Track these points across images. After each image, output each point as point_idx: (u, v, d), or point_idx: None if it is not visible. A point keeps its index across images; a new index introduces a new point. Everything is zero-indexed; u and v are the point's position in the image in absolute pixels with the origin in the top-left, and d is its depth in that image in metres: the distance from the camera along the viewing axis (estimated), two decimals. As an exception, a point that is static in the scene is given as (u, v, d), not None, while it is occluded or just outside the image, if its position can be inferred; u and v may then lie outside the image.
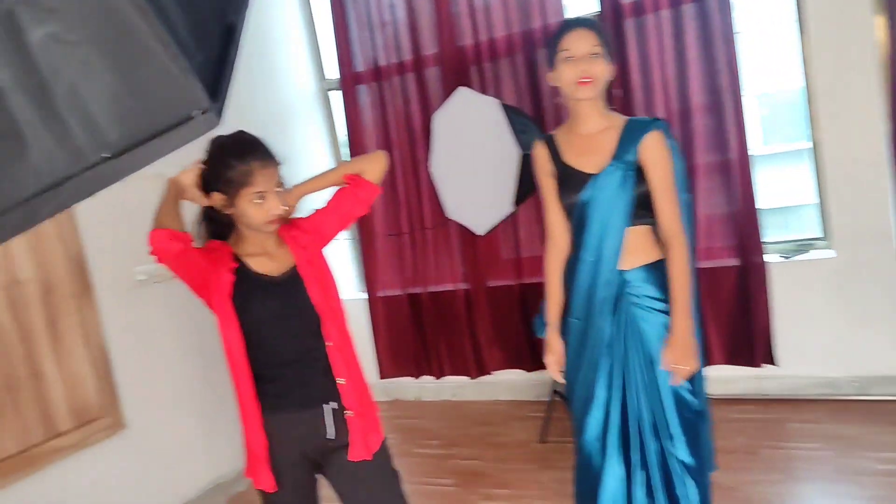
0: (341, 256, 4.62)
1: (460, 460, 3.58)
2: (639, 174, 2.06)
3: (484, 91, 3.85)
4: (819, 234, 3.59)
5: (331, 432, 1.87)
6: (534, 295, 3.92)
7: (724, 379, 3.66)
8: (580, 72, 2.03)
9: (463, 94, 3.53)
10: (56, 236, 2.97)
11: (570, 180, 2.12)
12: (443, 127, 3.61)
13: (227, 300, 1.81)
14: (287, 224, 1.96)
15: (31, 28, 0.80)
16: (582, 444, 2.16)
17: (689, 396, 2.07)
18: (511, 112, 3.37)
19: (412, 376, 4.36)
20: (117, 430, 3.11)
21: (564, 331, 2.23)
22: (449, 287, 4.18)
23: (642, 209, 2.09)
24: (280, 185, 1.84)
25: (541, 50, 3.74)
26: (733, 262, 3.56)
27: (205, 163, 1.84)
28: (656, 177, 2.05)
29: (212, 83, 0.92)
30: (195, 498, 3.41)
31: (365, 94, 4.22)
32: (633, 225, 2.08)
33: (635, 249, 2.09)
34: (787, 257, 3.59)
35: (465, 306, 4.14)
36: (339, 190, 2.03)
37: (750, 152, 3.44)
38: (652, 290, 2.08)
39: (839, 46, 3.27)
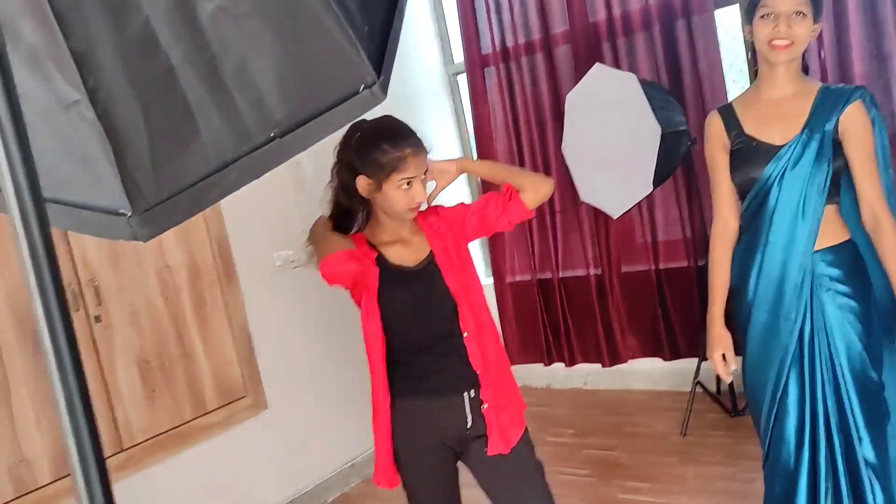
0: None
1: (595, 450, 3.48)
2: (836, 147, 1.86)
3: (618, 68, 3.69)
4: None
5: (468, 422, 1.83)
6: (672, 281, 3.74)
7: None
8: (778, 32, 1.83)
9: (599, 71, 3.38)
10: (202, 222, 3.10)
11: (752, 153, 1.92)
12: (577, 106, 3.48)
13: (374, 296, 1.80)
14: (424, 211, 1.92)
15: (201, 1, 0.78)
16: (779, 452, 1.98)
17: (879, 394, 1.88)
18: (650, 88, 3.20)
19: (542, 363, 4.28)
20: (259, 409, 3.22)
21: (737, 326, 2.05)
22: (580, 272, 4.06)
23: (833, 186, 1.89)
24: (426, 172, 1.81)
25: (680, 21, 3.53)
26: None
27: (349, 145, 1.82)
28: (859, 151, 1.84)
29: (377, 56, 0.88)
30: (331, 476, 3.49)
31: (492, 76, 4.15)
32: (828, 203, 1.89)
33: (824, 230, 1.90)
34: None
35: (597, 292, 4.01)
36: (490, 194, 1.95)
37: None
38: (839, 274, 1.89)
39: None
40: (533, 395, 4.35)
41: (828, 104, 1.87)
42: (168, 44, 0.82)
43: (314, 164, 3.28)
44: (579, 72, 3.68)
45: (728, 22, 3.64)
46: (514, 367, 4.47)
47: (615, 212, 3.45)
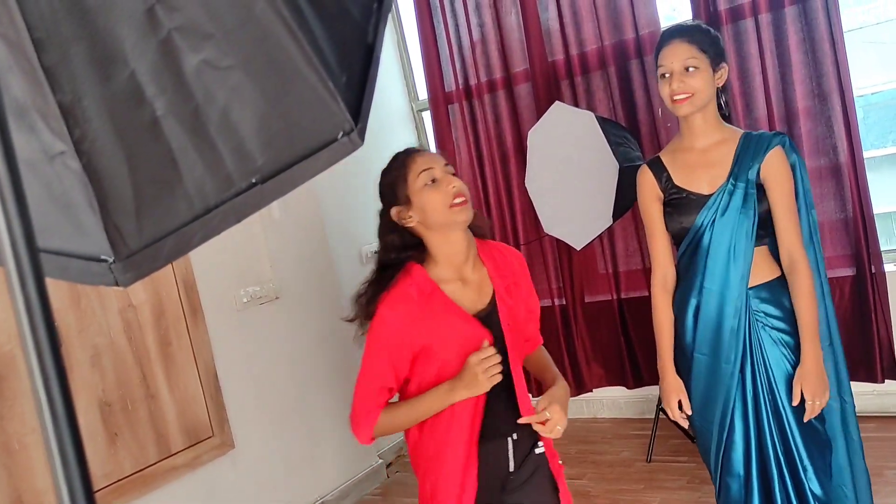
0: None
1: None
2: (760, 192, 1.95)
3: (577, 105, 3.80)
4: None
5: (511, 465, 1.76)
6: (633, 310, 3.82)
7: (842, 396, 3.45)
8: (674, 89, 1.93)
9: (558, 109, 3.49)
10: (167, 261, 3.08)
11: (684, 203, 2.01)
12: (538, 142, 3.57)
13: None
14: (489, 242, 1.80)
15: (187, 55, 0.81)
16: (729, 487, 2.03)
17: (818, 425, 1.96)
18: (607, 125, 3.31)
19: (509, 395, 4.30)
20: (226, 449, 3.18)
21: (682, 368, 2.11)
22: (546, 303, 4.12)
23: (762, 229, 1.98)
24: (448, 164, 1.71)
25: (634, 61, 3.66)
26: (848, 271, 3.37)
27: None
28: (780, 196, 1.94)
29: (354, 104, 0.92)
30: (300, 517, 3.45)
31: (456, 112, 4.23)
32: (757, 246, 1.98)
33: (756, 269, 1.99)
34: (907, 266, 3.38)
35: (562, 322, 4.07)
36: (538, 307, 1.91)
37: (862, 155, 3.26)
38: (772, 310, 1.98)
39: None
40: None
41: (749, 151, 1.96)
42: (153, 95, 0.85)
43: (281, 201, 3.32)
44: (540, 109, 3.78)
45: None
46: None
47: (578, 243, 3.53)
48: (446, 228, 1.66)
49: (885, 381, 3.35)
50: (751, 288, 1.98)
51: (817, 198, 3.39)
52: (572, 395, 4.09)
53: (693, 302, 2.02)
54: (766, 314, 1.98)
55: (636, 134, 3.64)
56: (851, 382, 3.41)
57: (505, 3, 3.96)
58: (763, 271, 2.00)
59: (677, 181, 2.03)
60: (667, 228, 2.07)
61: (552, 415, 1.65)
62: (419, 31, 4.21)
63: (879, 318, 3.30)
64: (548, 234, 3.74)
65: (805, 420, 1.94)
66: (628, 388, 3.97)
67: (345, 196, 3.98)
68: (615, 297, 3.90)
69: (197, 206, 0.90)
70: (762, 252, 2.00)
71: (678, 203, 2.02)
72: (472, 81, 4.13)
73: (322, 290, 3.74)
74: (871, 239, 3.27)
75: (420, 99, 4.55)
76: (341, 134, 0.90)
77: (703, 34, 1.96)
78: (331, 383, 3.67)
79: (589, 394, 4.10)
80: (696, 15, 3.47)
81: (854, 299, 3.37)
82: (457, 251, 1.70)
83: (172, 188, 0.89)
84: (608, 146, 3.23)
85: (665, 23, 3.65)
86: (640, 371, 3.88)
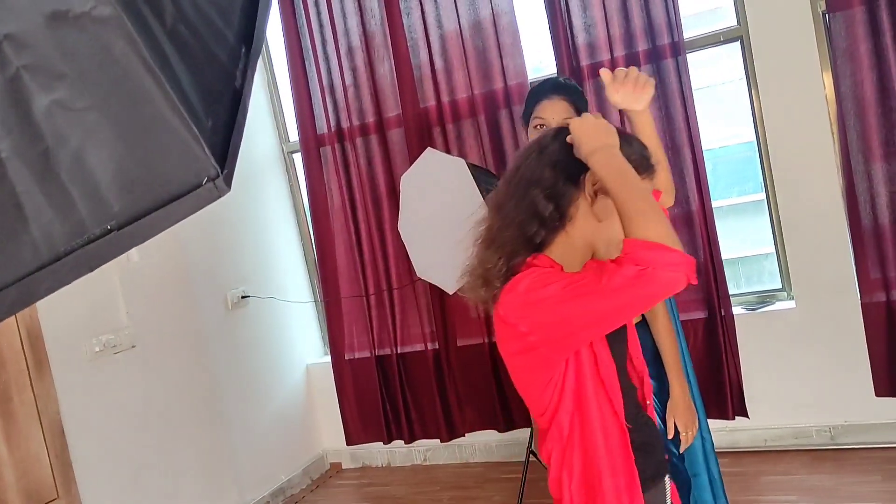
0: (304, 319, 4.53)
1: (436, 528, 3.47)
2: None
3: (448, 151, 3.88)
4: (779, 286, 3.66)
5: None
6: (504, 353, 3.88)
7: (697, 432, 3.65)
8: None
9: (430, 155, 3.53)
10: (10, 308, 2.84)
11: None
12: (411, 187, 3.60)
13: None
14: None
15: (36, 95, 0.75)
16: None
17: (679, 464, 2.05)
18: (478, 172, 3.38)
19: (382, 441, 4.24)
20: (74, 512, 2.93)
21: None
22: (419, 347, 4.12)
23: None
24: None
25: (504, 111, 3.80)
26: (701, 314, 3.60)
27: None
28: None
29: (220, 150, 0.89)
30: (156, 582, 3.22)
31: (328, 155, 4.20)
32: None
33: None
34: (751, 309, 3.64)
35: (434, 367, 4.08)
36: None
37: (711, 205, 3.51)
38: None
39: (791, 102, 3.39)
40: (373, 474, 4.30)
41: None
42: (-4, 136, 0.79)
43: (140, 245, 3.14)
44: (413, 154, 3.82)
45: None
46: (352, 448, 4.44)
47: (450, 287, 3.56)
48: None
49: (736, 417, 3.58)
50: None
51: (672, 245, 3.61)
52: (444, 442, 4.09)
53: None
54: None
55: (505, 181, 3.75)
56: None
57: (377, 48, 4.01)
58: None
59: None
60: None
61: None
62: (290, 73, 4.18)
63: (729, 358, 3.53)
64: (420, 279, 3.76)
65: (681, 451, 2.02)
66: (500, 431, 4.02)
67: (211, 240, 3.84)
68: (486, 340, 3.96)
69: (44, 253, 0.84)
70: None
71: None
72: (345, 125, 4.13)
73: (183, 338, 3.57)
74: (721, 283, 3.51)
75: (291, 141, 4.49)
76: (206, 180, 0.87)
77: (578, 94, 2.09)
78: (192, 436, 3.48)
79: (462, 438, 4.11)
80: (560, 69, 3.65)
81: (706, 341, 3.59)
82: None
83: (16, 234, 0.82)
84: (479, 192, 3.31)
85: (532, 75, 3.82)
86: (511, 414, 3.93)
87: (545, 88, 2.10)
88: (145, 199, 0.87)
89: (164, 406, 3.37)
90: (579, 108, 2.08)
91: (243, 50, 0.90)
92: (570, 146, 1.38)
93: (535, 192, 1.39)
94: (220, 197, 0.90)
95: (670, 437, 2.04)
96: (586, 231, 1.40)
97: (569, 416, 1.38)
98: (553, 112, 2.04)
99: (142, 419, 3.27)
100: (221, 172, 0.90)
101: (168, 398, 3.40)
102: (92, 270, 0.86)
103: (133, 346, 3.28)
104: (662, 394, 2.07)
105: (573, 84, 2.18)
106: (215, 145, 0.89)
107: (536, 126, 2.05)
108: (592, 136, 1.34)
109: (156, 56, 0.80)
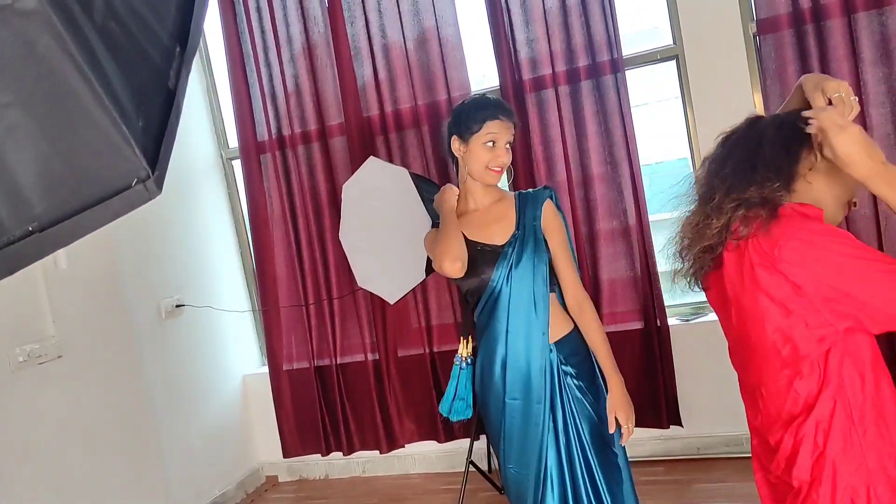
0: (241, 329, 4.44)
1: (374, 540, 3.43)
2: (545, 242, 2.12)
3: (391, 160, 3.87)
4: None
5: None
6: (445, 363, 3.88)
7: (631, 441, 3.70)
8: (497, 161, 2.10)
9: (373, 164, 3.53)
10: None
11: (480, 255, 2.12)
12: (353, 196, 3.58)
13: None
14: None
15: (-47, 90, 0.72)
16: None
17: (616, 456, 2.11)
18: (420, 181, 3.39)
19: (319, 453, 4.18)
20: (-7, 530, 2.79)
21: (491, 413, 2.18)
22: (359, 358, 4.08)
23: (552, 276, 2.13)
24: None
25: (447, 121, 3.80)
26: (637, 325, 3.66)
27: None
28: (558, 244, 2.13)
29: (152, 151, 0.86)
30: None
31: (269, 163, 4.14)
32: (550, 292, 2.11)
33: (552, 322, 2.12)
34: (686, 320, 3.73)
35: (374, 377, 4.04)
36: None
37: (648, 219, 3.59)
38: (571, 367, 2.12)
39: (722, 119, 3.49)
40: (310, 487, 4.23)
41: (528, 205, 2.15)
42: None
43: (68, 249, 3.05)
44: (355, 162, 3.80)
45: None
46: (289, 461, 4.37)
47: (391, 298, 3.55)
48: None
49: (670, 426, 3.65)
50: (552, 344, 2.10)
51: (610, 257, 3.68)
52: (384, 453, 4.05)
53: (500, 350, 2.12)
54: (566, 373, 2.12)
55: (448, 192, 3.76)
56: (641, 428, 3.72)
57: (320, 56, 3.98)
58: (558, 324, 2.14)
59: (470, 236, 2.15)
60: (470, 282, 2.14)
61: None
62: (230, 78, 4.11)
63: (666, 368, 3.61)
64: (361, 288, 3.73)
65: (623, 443, 2.10)
66: (440, 442, 4.01)
67: (145, 245, 3.73)
68: (427, 350, 3.95)
69: (-42, 256, 0.79)
70: (555, 299, 2.15)
71: (476, 256, 2.12)
72: (286, 132, 4.08)
73: (113, 348, 3.45)
74: (657, 295, 3.58)
75: (231, 147, 4.41)
76: (135, 181, 0.84)
77: (515, 119, 2.15)
78: (122, 450, 3.36)
79: (401, 449, 4.08)
80: (503, 82, 3.68)
81: (643, 351, 3.66)
82: None
83: (-74, 236, 0.78)
84: (421, 202, 3.31)
85: (475, 87, 3.85)
86: (451, 425, 3.93)
87: (496, 108, 2.11)
88: (71, 200, 0.83)
89: (92, 419, 3.25)
90: (515, 132, 2.17)
91: (178, 49, 0.88)
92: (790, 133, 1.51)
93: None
94: (150, 199, 0.87)
95: (612, 431, 2.09)
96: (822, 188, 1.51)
97: None
98: (503, 132, 2.10)
99: (68, 433, 3.14)
100: (152, 174, 0.87)
101: (96, 410, 3.28)
102: (11, 273, 0.82)
103: (60, 357, 3.15)
104: (591, 397, 2.14)
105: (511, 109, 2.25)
106: (147, 146, 0.87)
107: (486, 143, 2.08)
108: (869, 155, 1.38)
109: (84, 52, 0.77)
